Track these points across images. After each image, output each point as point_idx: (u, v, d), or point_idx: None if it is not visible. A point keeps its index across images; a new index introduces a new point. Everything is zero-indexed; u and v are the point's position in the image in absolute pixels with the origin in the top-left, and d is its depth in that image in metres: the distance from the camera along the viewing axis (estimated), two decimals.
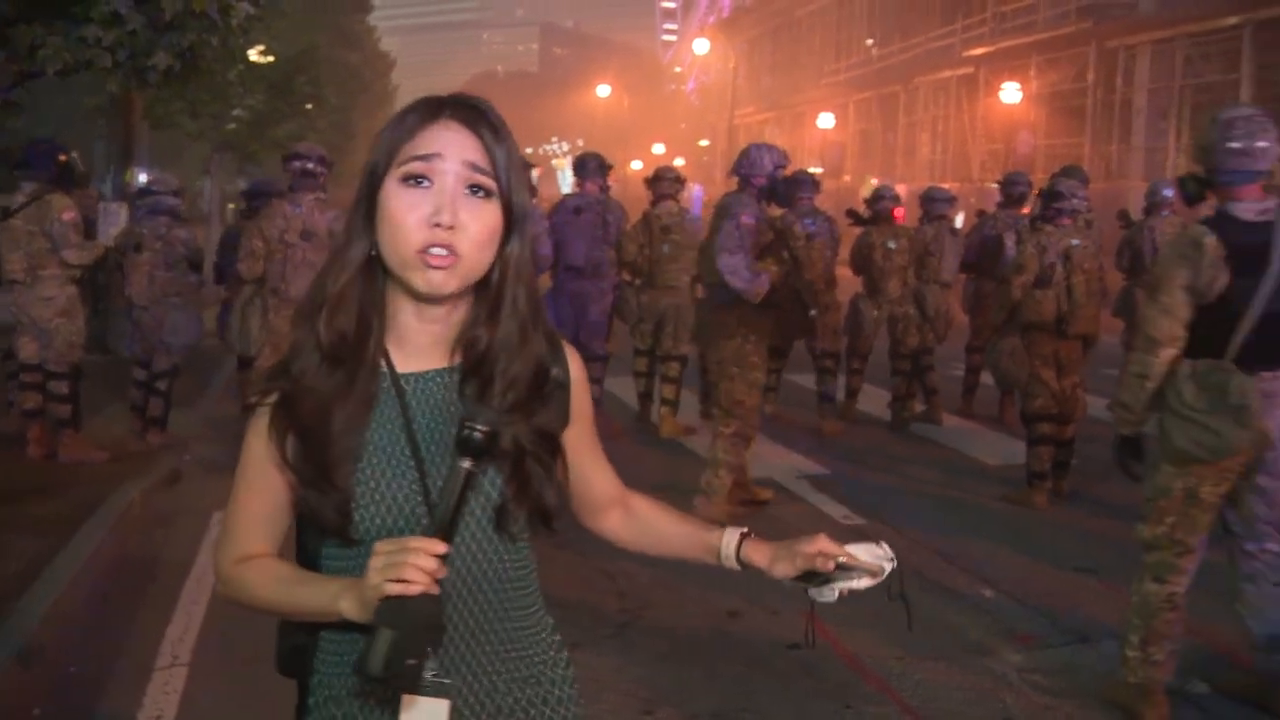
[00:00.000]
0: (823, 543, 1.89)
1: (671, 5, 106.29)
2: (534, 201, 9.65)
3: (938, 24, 41.19)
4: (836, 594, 1.92)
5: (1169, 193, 11.17)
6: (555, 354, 1.90)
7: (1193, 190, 4.70)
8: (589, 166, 10.18)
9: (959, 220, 12.64)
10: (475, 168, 1.73)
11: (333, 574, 1.78)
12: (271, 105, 21.95)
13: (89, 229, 8.27)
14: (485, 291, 1.80)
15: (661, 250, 9.81)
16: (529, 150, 59.81)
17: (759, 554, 1.96)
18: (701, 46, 66.91)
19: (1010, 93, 33.76)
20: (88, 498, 6.97)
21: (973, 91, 37.89)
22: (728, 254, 7.03)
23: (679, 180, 10.24)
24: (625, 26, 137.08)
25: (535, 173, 10.02)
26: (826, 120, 46.57)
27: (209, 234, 19.16)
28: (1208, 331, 4.48)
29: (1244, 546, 4.68)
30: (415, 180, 1.72)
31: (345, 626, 1.69)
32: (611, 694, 4.76)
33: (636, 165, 54.89)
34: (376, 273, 1.78)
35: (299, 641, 1.88)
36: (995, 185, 11.51)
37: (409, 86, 36.85)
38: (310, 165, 7.97)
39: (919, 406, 10.59)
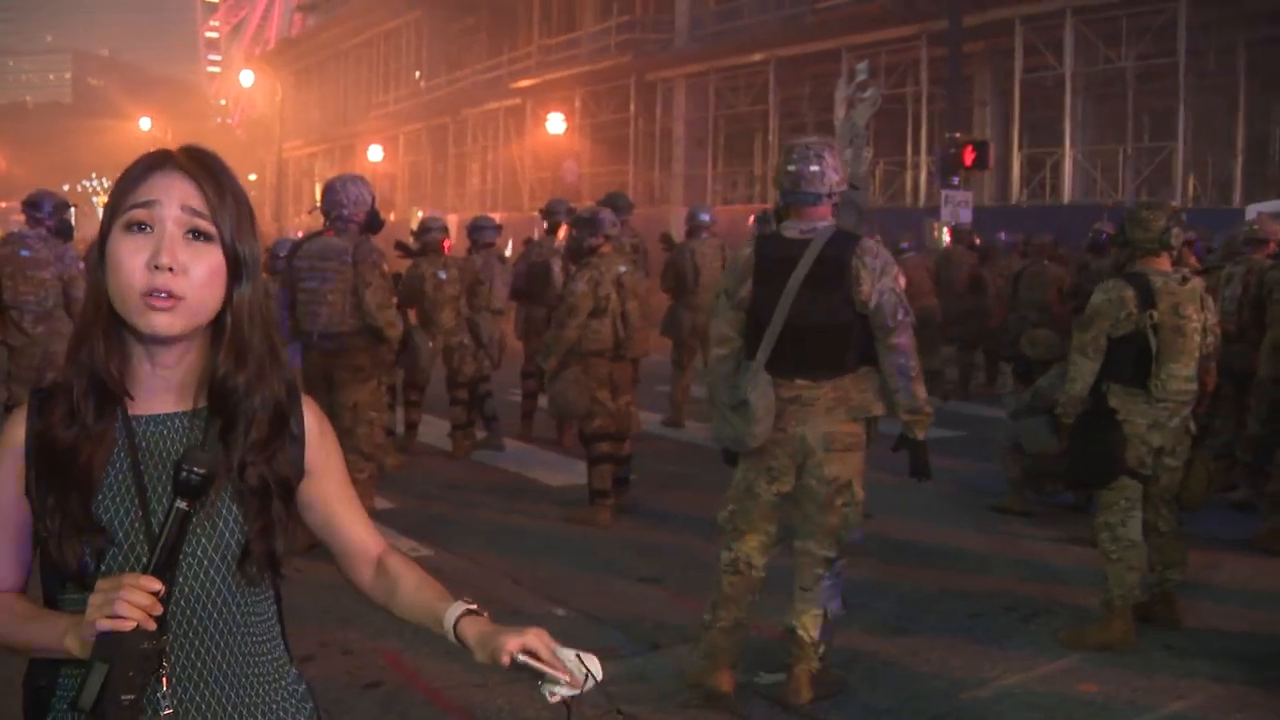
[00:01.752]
0: (530, 637, 1.83)
1: (215, 35, 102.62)
2: (73, 243, 9.16)
3: (484, 56, 41.89)
4: (554, 698, 1.84)
5: (706, 217, 11.84)
6: (292, 404, 1.94)
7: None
8: None
9: (508, 249, 12.88)
10: (194, 212, 1.78)
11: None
12: None
13: None
14: (220, 335, 1.84)
15: None
16: (65, 188, 56.40)
17: (470, 634, 1.88)
18: (247, 79, 64.91)
19: (556, 123, 34.69)
20: None
21: (520, 123, 38.57)
22: (390, 309, 7.07)
23: None
24: (167, 57, 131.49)
25: (73, 212, 9.45)
26: (376, 153, 46.26)
27: None
28: (747, 337, 4.91)
29: (793, 542, 5.01)
30: (138, 227, 1.76)
31: (79, 665, 1.68)
32: None
33: None
34: (115, 319, 1.79)
35: (41, 683, 1.85)
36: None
37: None
38: None
39: (480, 434, 10.66)
